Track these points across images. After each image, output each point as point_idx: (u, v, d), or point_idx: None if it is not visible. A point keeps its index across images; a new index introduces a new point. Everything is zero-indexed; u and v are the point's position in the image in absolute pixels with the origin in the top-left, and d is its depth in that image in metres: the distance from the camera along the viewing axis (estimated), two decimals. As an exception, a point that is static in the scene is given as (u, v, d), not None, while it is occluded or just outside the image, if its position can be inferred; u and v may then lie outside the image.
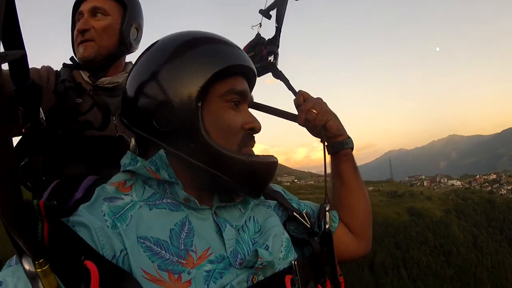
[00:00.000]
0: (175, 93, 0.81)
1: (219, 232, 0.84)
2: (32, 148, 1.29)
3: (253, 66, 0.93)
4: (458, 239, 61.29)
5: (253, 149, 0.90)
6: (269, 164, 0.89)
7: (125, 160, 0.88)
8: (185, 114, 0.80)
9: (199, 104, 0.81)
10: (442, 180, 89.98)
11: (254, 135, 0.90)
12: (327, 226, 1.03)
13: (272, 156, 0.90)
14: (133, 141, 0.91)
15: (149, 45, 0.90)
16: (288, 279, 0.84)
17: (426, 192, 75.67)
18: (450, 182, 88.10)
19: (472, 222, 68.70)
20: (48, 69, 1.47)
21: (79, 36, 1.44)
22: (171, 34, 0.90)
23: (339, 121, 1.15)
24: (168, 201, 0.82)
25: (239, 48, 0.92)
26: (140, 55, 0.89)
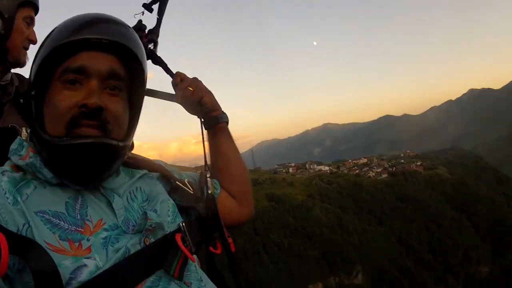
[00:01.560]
0: (32, 79, 0.83)
1: (109, 203, 0.88)
2: None
3: (121, 40, 0.86)
4: (320, 220, 63.15)
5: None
6: (90, 146, 0.80)
7: (13, 146, 0.89)
8: (30, 102, 0.82)
9: (33, 92, 0.81)
10: (311, 166, 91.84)
11: (97, 113, 0.82)
12: (209, 191, 1.09)
13: (103, 136, 0.83)
14: (24, 131, 0.92)
15: None
16: (178, 236, 0.89)
17: (289, 178, 77.34)
18: (319, 167, 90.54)
19: (337, 205, 71.80)
20: None
21: (27, 44, 1.55)
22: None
23: (214, 97, 1.24)
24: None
25: (109, 21, 0.87)
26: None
